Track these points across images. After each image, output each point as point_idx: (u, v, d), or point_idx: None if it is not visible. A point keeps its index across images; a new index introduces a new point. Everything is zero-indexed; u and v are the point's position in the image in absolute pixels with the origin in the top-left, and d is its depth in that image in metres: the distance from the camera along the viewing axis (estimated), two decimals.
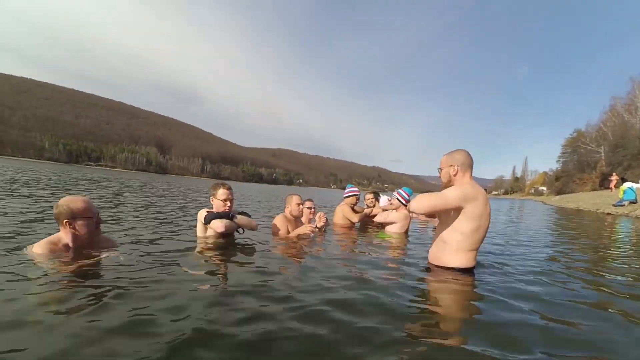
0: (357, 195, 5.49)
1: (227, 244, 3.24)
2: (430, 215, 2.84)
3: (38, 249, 2.25)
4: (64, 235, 2.32)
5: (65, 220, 2.26)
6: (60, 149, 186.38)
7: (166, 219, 5.09)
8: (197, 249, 3.01)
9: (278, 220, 4.04)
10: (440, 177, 2.66)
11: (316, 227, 4.21)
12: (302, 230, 3.89)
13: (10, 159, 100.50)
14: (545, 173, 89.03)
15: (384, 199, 6.14)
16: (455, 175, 2.55)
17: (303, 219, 4.43)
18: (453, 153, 2.60)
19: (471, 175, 2.56)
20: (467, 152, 2.60)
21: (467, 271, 2.51)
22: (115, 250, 2.59)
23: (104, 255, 2.37)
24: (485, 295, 2.13)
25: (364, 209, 5.64)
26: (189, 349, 1.29)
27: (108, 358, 1.21)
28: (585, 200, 20.34)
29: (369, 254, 3.40)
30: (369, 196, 5.79)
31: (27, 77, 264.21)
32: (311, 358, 1.31)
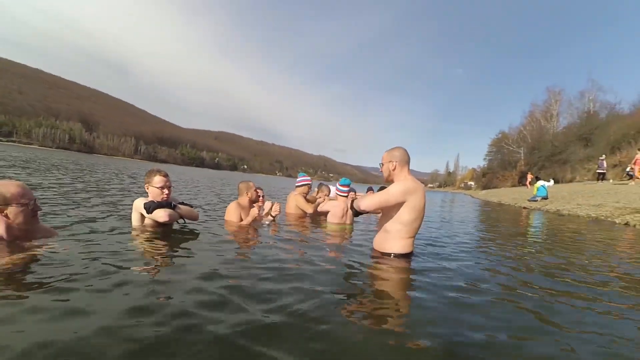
0: (309, 184, 5.51)
1: (167, 233, 3.08)
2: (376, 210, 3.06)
3: None
4: None
5: None
6: None
7: (103, 204, 4.67)
8: (137, 240, 2.80)
9: (231, 208, 3.99)
10: (381, 171, 2.93)
11: (270, 216, 4.19)
12: (253, 213, 3.88)
13: None
14: (473, 169, 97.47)
15: (333, 190, 6.28)
16: (394, 170, 2.83)
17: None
18: (392, 150, 2.88)
19: (408, 170, 2.86)
20: (405, 150, 2.90)
21: (406, 256, 2.83)
22: (54, 241, 2.33)
23: (43, 248, 2.13)
24: (420, 276, 2.44)
25: (316, 198, 5.68)
26: (136, 346, 1.22)
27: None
28: (506, 195, 22.74)
29: (319, 241, 3.50)
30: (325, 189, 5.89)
31: None
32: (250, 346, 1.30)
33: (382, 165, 2.91)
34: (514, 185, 41.28)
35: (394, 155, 2.84)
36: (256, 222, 4.00)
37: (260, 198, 4.67)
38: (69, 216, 3.49)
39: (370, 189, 8.08)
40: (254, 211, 3.92)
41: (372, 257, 2.88)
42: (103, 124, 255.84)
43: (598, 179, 20.06)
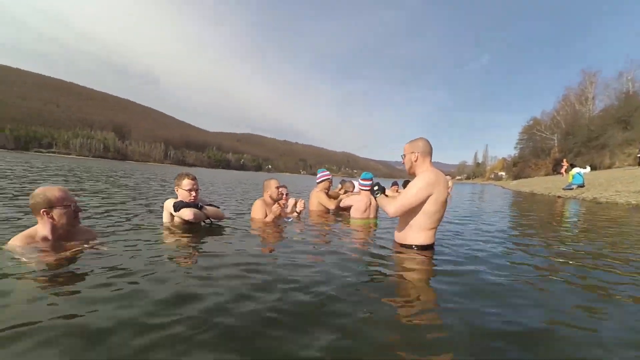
0: (329, 179, 5.54)
1: (195, 230, 3.25)
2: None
3: (14, 242, 2.15)
4: (42, 227, 2.22)
5: (42, 210, 2.16)
6: (7, 135, 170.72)
7: (138, 206, 4.93)
8: (168, 239, 2.98)
9: (256, 205, 4.13)
10: (403, 162, 2.90)
11: (295, 212, 4.28)
12: (275, 210, 3.98)
13: None
14: (504, 159, 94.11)
15: (356, 184, 6.29)
16: (416, 161, 2.79)
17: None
18: (414, 141, 2.83)
19: (430, 161, 2.80)
20: (427, 140, 2.83)
21: (428, 247, 2.79)
22: (96, 241, 2.50)
23: (84, 247, 2.29)
24: (442, 268, 2.43)
25: (339, 193, 5.71)
26: (180, 340, 1.28)
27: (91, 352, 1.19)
28: (539, 184, 21.83)
29: (341, 236, 3.55)
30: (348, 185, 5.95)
31: None
32: (288, 341, 1.34)
33: (404, 157, 2.86)
34: (547, 174, 39.51)
35: (416, 146, 2.79)
36: (280, 219, 4.10)
37: (284, 195, 4.75)
38: (108, 218, 3.74)
39: (395, 184, 7.99)
40: (275, 208, 4.01)
41: (394, 249, 2.88)
42: (134, 131, 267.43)
43: (639, 164, 18.82)
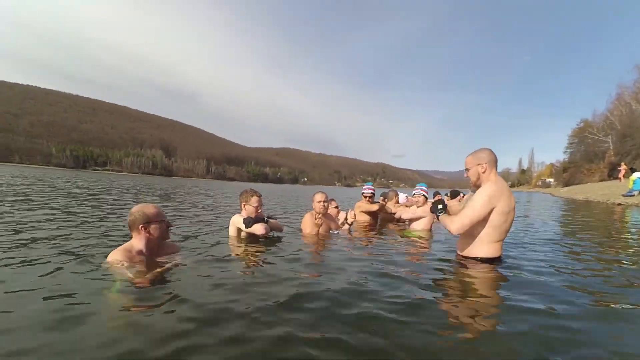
0: (373, 193, 5.78)
1: (259, 242, 3.53)
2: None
3: (115, 256, 2.32)
4: (137, 242, 2.43)
5: (140, 225, 2.37)
6: (67, 155, 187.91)
7: (199, 222, 5.40)
8: (237, 250, 3.30)
9: (306, 218, 4.33)
10: (467, 176, 2.82)
11: (347, 224, 4.46)
12: (316, 223, 4.16)
13: (20, 167, 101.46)
14: (552, 164, 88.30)
15: (402, 196, 6.37)
16: (484, 172, 2.70)
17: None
18: (478, 152, 2.77)
19: (496, 171, 2.74)
20: (491, 150, 2.77)
21: (493, 260, 2.72)
22: (180, 255, 2.76)
23: (175, 261, 2.54)
24: (508, 282, 2.37)
25: (383, 204, 5.86)
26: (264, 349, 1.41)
27: None
28: (594, 191, 20.34)
29: (399, 249, 3.63)
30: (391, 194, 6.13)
31: (31, 85, 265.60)
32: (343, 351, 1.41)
33: (468, 170, 2.77)
34: (602, 180, 36.53)
35: (481, 157, 2.71)
36: (328, 232, 4.26)
37: (335, 210, 4.95)
38: (179, 233, 4.08)
39: (437, 193, 7.88)
40: (316, 221, 4.15)
41: (456, 262, 2.85)
42: (180, 149, 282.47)
43: None
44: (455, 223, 2.66)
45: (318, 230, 4.16)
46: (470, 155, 2.80)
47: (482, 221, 2.63)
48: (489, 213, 2.60)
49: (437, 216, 2.95)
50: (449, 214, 2.92)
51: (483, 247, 2.71)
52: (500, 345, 1.48)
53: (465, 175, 2.84)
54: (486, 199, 2.57)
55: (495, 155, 2.75)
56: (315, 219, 4.15)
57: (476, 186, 2.79)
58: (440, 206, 2.96)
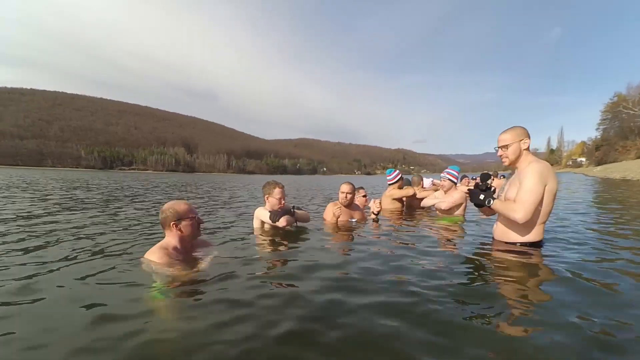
0: (402, 177, 5.66)
1: (283, 234, 3.45)
2: None
3: (153, 256, 2.31)
4: (171, 239, 2.42)
5: (172, 223, 2.37)
6: (96, 157, 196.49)
7: (225, 215, 5.48)
8: (262, 242, 3.28)
9: (328, 208, 4.31)
10: (503, 155, 2.58)
11: (373, 214, 4.34)
12: (335, 213, 4.07)
13: (53, 170, 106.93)
14: (583, 143, 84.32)
15: (427, 181, 6.18)
16: (527, 149, 2.53)
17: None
18: (516, 128, 2.56)
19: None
20: (524, 127, 2.58)
21: (535, 244, 2.55)
22: (215, 251, 2.74)
23: (211, 256, 2.55)
24: (553, 267, 2.21)
25: (408, 189, 5.67)
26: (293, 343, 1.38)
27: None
28: (631, 169, 19.23)
29: (433, 236, 3.51)
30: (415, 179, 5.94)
31: (59, 91, 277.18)
32: (378, 344, 1.36)
33: (507, 147, 2.53)
34: (639, 157, 34.49)
35: (522, 133, 2.51)
36: (347, 222, 4.17)
37: (364, 198, 4.84)
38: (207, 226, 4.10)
39: (464, 177, 7.59)
40: (335, 211, 4.07)
41: (494, 248, 2.71)
42: (201, 145, 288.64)
43: None
44: (519, 211, 2.39)
45: (337, 219, 4.09)
46: (507, 132, 2.57)
47: None
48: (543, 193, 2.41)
49: (489, 206, 2.58)
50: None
51: (524, 230, 2.54)
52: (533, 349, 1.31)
53: (499, 154, 2.62)
54: (537, 176, 2.38)
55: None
56: (336, 209, 4.09)
57: (512, 166, 2.60)
58: (482, 197, 2.59)
